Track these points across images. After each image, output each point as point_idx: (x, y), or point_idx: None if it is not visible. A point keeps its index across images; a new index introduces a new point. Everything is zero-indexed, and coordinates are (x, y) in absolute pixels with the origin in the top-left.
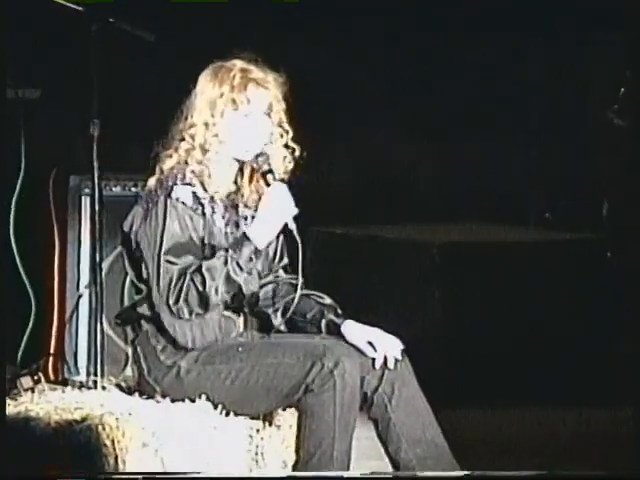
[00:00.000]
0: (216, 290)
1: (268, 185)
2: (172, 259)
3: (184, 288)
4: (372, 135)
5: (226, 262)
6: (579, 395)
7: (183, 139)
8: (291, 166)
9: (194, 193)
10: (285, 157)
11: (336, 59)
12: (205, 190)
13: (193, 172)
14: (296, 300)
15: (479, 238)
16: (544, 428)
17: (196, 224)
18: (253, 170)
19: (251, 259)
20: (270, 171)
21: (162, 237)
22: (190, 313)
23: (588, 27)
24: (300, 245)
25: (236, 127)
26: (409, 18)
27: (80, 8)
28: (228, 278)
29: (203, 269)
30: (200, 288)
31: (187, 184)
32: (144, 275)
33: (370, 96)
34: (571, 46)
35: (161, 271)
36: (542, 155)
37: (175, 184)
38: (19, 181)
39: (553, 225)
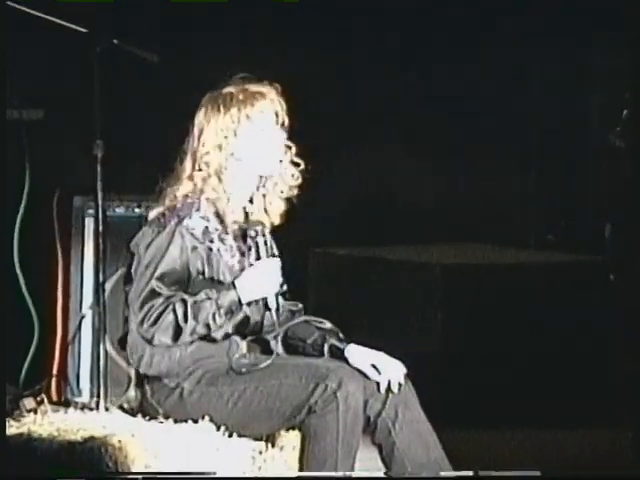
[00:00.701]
0: (193, 329)
1: (258, 253)
2: (161, 285)
3: (162, 315)
4: (374, 155)
5: (211, 305)
6: (582, 415)
7: (198, 170)
8: (299, 182)
9: (206, 227)
10: (293, 174)
11: (335, 62)
12: (219, 220)
13: (208, 200)
14: (294, 322)
15: (482, 260)
16: (548, 449)
17: (198, 258)
18: (264, 195)
19: (232, 311)
20: (265, 242)
21: (159, 262)
22: (159, 341)
23: (590, 44)
24: (275, 320)
25: (253, 142)
26: (410, 21)
27: (84, 30)
28: (206, 324)
29: (189, 303)
30: (180, 320)
31: (202, 217)
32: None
33: (371, 114)
34: (573, 66)
35: (145, 295)
36: (544, 176)
37: (189, 214)
38: (23, 202)
39: (555, 247)
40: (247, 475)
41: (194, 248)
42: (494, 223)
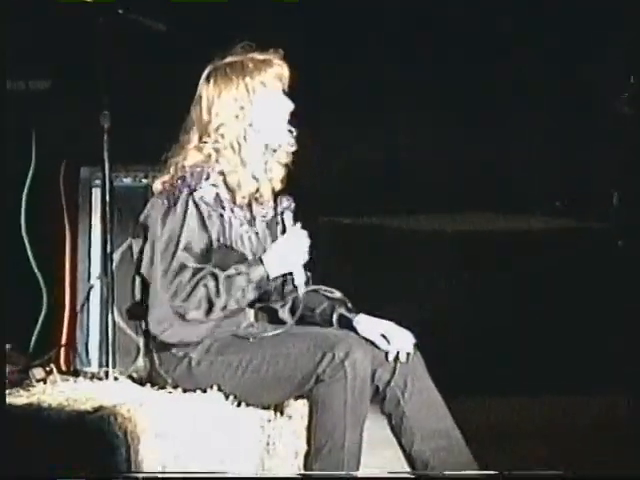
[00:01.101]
0: (224, 304)
1: (284, 227)
2: (188, 256)
3: (194, 290)
4: (385, 122)
5: (241, 280)
6: (593, 384)
7: (214, 141)
8: (293, 149)
9: (217, 194)
10: (290, 141)
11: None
12: (228, 189)
13: (220, 173)
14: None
15: (490, 227)
16: (558, 418)
17: (215, 225)
18: (272, 158)
19: (259, 287)
20: (295, 214)
21: (180, 234)
22: (191, 316)
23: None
24: (301, 297)
25: (266, 110)
26: (411, 17)
27: (88, 0)
28: (237, 299)
29: (221, 278)
30: (212, 295)
31: (212, 185)
32: (150, 267)
33: (383, 83)
34: (584, 31)
35: (173, 268)
36: (552, 143)
37: (199, 183)
38: (30, 173)
39: (563, 214)
40: (248, 476)
41: (209, 216)
42: (504, 191)
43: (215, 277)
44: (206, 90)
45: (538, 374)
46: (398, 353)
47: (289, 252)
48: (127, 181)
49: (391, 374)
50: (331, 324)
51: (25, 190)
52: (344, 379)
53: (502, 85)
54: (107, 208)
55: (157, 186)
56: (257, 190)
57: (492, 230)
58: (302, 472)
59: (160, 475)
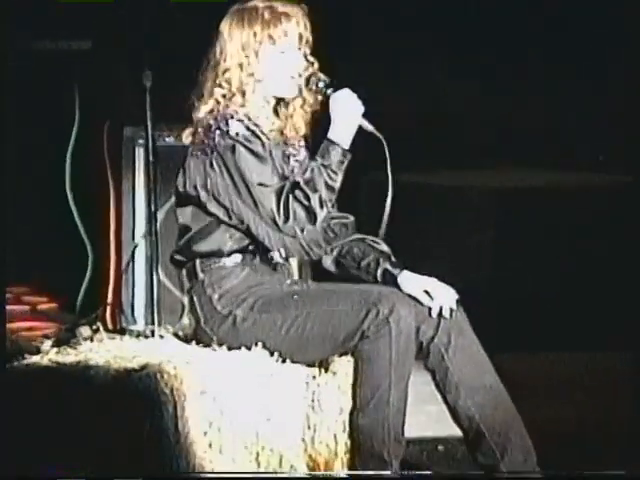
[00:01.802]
0: (320, 200)
1: (327, 98)
2: (265, 182)
3: (289, 206)
4: (423, 79)
5: (320, 172)
6: (633, 341)
7: (219, 85)
8: (319, 97)
9: (248, 127)
10: (317, 90)
11: None
12: (255, 124)
13: (240, 111)
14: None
15: (531, 183)
16: (603, 373)
17: (262, 153)
18: (287, 107)
19: (342, 162)
20: (327, 85)
21: (241, 171)
22: (302, 230)
23: None
24: (383, 141)
25: (273, 64)
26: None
27: None
28: (327, 186)
29: (301, 184)
30: (305, 203)
31: (238, 120)
32: (233, 220)
33: (416, 36)
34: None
35: (259, 200)
36: (593, 97)
37: (226, 122)
38: (74, 133)
39: (606, 168)
40: (250, 476)
41: (253, 147)
42: (544, 145)
43: (297, 185)
44: (224, 29)
45: (580, 329)
46: (441, 309)
47: (346, 113)
48: (170, 140)
49: (435, 330)
50: (375, 279)
51: (69, 149)
52: (388, 335)
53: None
54: (150, 167)
55: (186, 137)
56: (279, 132)
57: (534, 186)
58: (309, 473)
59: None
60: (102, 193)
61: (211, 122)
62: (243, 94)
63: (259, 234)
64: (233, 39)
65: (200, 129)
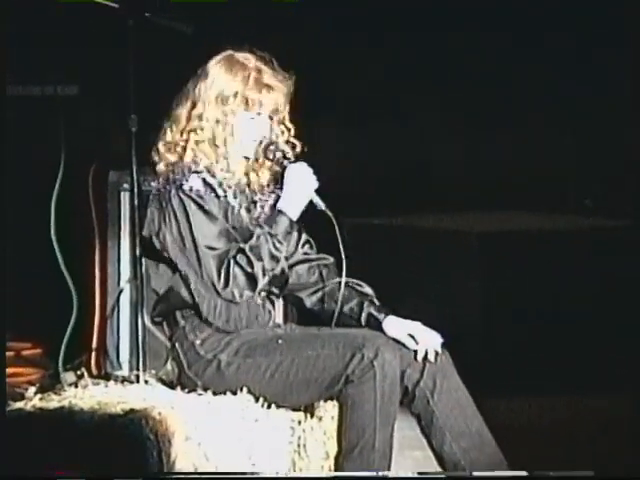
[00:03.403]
0: (263, 269)
1: (283, 168)
2: (211, 244)
3: (231, 271)
4: (406, 123)
5: (267, 240)
6: (626, 385)
7: (192, 130)
8: (290, 159)
9: (204, 179)
10: (287, 153)
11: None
12: (213, 176)
13: (201, 160)
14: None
15: (518, 227)
16: (590, 418)
17: (215, 209)
18: (255, 162)
19: (288, 232)
20: (284, 156)
21: (191, 229)
22: (240, 296)
23: None
24: (333, 219)
25: (243, 126)
26: (412, 15)
27: (115, 5)
28: (271, 255)
29: (246, 250)
30: (247, 269)
31: (195, 172)
32: (180, 270)
33: (403, 83)
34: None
35: (202, 260)
36: (580, 141)
37: (184, 175)
38: (59, 177)
39: (593, 211)
40: (250, 476)
41: (206, 204)
42: (531, 189)
43: (242, 251)
44: (209, 70)
45: (565, 373)
46: (426, 353)
47: (298, 186)
48: (155, 184)
49: (420, 374)
50: (359, 323)
51: (54, 194)
52: (373, 379)
53: (522, 81)
54: (135, 212)
55: (153, 181)
56: (238, 183)
57: (518, 230)
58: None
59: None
60: (87, 238)
61: (169, 174)
62: (215, 146)
63: (197, 295)
64: (215, 86)
65: (161, 177)
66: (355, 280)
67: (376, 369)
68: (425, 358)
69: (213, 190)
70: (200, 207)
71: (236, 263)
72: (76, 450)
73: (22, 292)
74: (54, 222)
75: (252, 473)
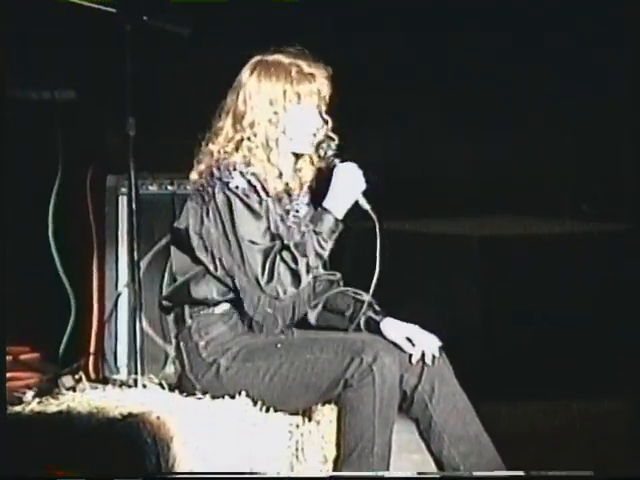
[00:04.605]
0: (307, 266)
1: (331, 166)
2: (255, 240)
3: (275, 267)
4: (408, 127)
5: (312, 237)
6: (623, 388)
7: (247, 139)
8: (331, 154)
9: (249, 181)
10: (326, 148)
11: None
12: (257, 180)
13: (247, 164)
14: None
15: (517, 232)
16: (590, 422)
17: (259, 210)
18: (305, 159)
19: (333, 231)
20: (336, 155)
21: (235, 225)
22: (284, 292)
23: None
24: (377, 223)
25: (296, 121)
26: (412, 15)
27: (112, 10)
28: (316, 253)
29: (291, 246)
30: (292, 265)
31: (241, 173)
32: (219, 271)
33: (402, 85)
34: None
35: (246, 256)
36: (578, 146)
37: (229, 173)
38: (57, 181)
39: (590, 217)
40: (251, 476)
41: (252, 204)
42: (529, 194)
43: (287, 247)
44: (247, 80)
45: (564, 378)
46: (424, 356)
47: (346, 186)
48: (153, 189)
49: (418, 379)
50: (359, 327)
51: (52, 198)
52: (372, 384)
53: (521, 86)
54: (133, 216)
55: (193, 176)
56: (285, 186)
57: (517, 234)
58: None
59: (160, 475)
60: (85, 242)
61: (214, 170)
62: (269, 149)
63: (241, 290)
64: (261, 92)
65: (205, 174)
66: (354, 289)
67: (375, 373)
68: (422, 361)
69: (256, 192)
70: (245, 205)
71: (282, 259)
72: (74, 454)
73: (20, 296)
74: (52, 226)
75: (251, 474)
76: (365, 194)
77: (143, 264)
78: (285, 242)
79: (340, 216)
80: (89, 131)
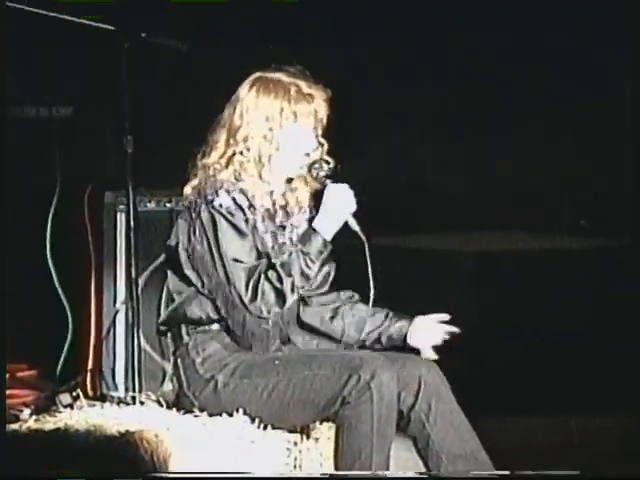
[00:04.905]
0: (292, 285)
1: (324, 187)
2: (239, 258)
3: (259, 286)
4: (405, 143)
5: (298, 257)
6: (621, 402)
7: (239, 153)
8: (327, 176)
9: (234, 199)
10: (323, 170)
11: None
12: (245, 197)
13: (234, 181)
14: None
15: (514, 246)
16: (588, 439)
17: (244, 228)
18: (299, 180)
19: (321, 252)
20: (327, 176)
21: (218, 243)
22: (268, 311)
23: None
24: (366, 244)
25: (291, 139)
26: (412, 15)
27: (111, 27)
28: (302, 273)
29: (277, 266)
30: (277, 285)
31: (227, 191)
32: (207, 286)
33: (396, 101)
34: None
35: (230, 274)
36: (577, 161)
37: (215, 192)
38: (55, 198)
39: (589, 232)
40: (248, 476)
41: (237, 222)
42: (528, 209)
43: (272, 267)
44: (245, 95)
45: (562, 394)
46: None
47: (336, 207)
48: (151, 205)
49: (415, 397)
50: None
51: (50, 215)
52: (370, 401)
53: (519, 101)
54: (132, 232)
55: (187, 190)
56: (274, 204)
57: (517, 249)
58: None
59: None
60: (83, 259)
61: (201, 188)
62: (260, 164)
63: (225, 309)
64: (258, 108)
65: (195, 189)
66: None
67: (373, 391)
68: (420, 382)
69: (242, 210)
70: (230, 223)
71: (266, 278)
72: (73, 472)
73: (18, 313)
74: (50, 243)
75: (251, 474)
76: (356, 215)
77: (141, 281)
78: (272, 261)
79: (329, 237)
80: (87, 148)
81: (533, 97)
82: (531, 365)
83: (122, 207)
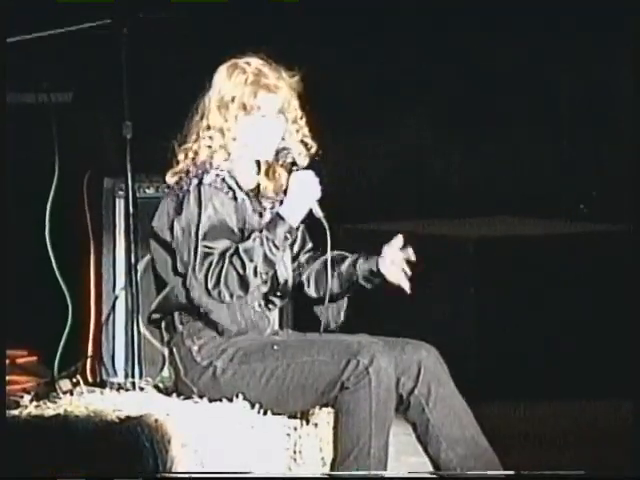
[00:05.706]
0: (254, 271)
1: (290, 173)
2: (210, 244)
3: (223, 271)
4: (403, 130)
5: (262, 243)
6: (622, 391)
7: (204, 139)
8: (305, 163)
9: (224, 179)
10: (300, 153)
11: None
12: (232, 177)
13: (219, 164)
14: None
15: (514, 232)
16: (586, 424)
17: (229, 208)
18: (270, 166)
19: (286, 238)
20: (294, 163)
21: (198, 223)
22: (231, 296)
23: None
24: (328, 231)
25: (251, 129)
26: (412, 15)
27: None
28: (265, 258)
29: (240, 251)
30: (240, 271)
31: (216, 171)
32: (178, 265)
33: (398, 91)
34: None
35: (198, 257)
36: (575, 146)
37: (205, 171)
38: (53, 184)
39: (588, 217)
40: (251, 475)
41: (222, 201)
42: (526, 195)
43: (236, 251)
44: (215, 79)
45: (562, 380)
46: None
47: (301, 194)
48: (150, 191)
49: (414, 382)
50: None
51: (49, 201)
52: (368, 386)
53: (519, 89)
54: (130, 218)
55: (169, 178)
56: (257, 186)
57: (515, 235)
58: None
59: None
60: (82, 245)
61: (190, 168)
62: (226, 152)
63: (189, 292)
64: (216, 96)
65: (181, 173)
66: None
67: (371, 376)
68: (419, 368)
69: (231, 189)
70: (213, 203)
71: (230, 263)
72: (72, 458)
73: (17, 300)
74: (49, 229)
75: (251, 474)
76: (320, 202)
77: (140, 267)
78: (237, 246)
79: (294, 224)
80: (86, 134)
81: (531, 83)
82: (531, 351)
83: (121, 193)
